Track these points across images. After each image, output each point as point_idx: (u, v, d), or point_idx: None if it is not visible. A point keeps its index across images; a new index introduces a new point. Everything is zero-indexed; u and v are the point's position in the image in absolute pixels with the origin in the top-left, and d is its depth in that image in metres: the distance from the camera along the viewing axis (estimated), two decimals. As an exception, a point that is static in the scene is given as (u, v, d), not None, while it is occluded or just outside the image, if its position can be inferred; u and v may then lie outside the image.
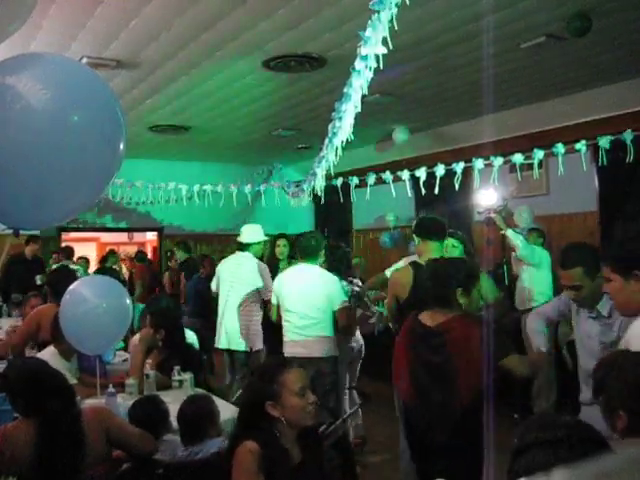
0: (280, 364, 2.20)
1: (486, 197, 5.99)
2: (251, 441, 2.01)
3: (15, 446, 2.29)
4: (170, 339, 3.86)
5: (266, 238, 5.37)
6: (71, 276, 4.47)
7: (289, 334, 4.21)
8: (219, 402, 3.06)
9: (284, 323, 4.25)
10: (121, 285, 3.67)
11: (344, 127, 3.49)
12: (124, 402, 3.26)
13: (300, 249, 4.35)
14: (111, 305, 3.33)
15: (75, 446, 2.34)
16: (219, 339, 5.19)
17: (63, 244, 9.14)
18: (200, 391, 3.46)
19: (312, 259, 4.27)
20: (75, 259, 8.53)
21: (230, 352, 5.15)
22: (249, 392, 2.22)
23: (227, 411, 3.01)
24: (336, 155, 3.90)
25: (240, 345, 5.04)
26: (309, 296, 4.14)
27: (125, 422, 2.69)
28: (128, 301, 3.46)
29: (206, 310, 6.36)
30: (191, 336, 4.26)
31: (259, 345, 5.08)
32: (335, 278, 4.27)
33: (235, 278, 5.15)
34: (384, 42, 2.57)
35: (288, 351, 4.17)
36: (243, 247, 5.26)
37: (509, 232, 5.51)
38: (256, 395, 2.12)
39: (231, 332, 5.09)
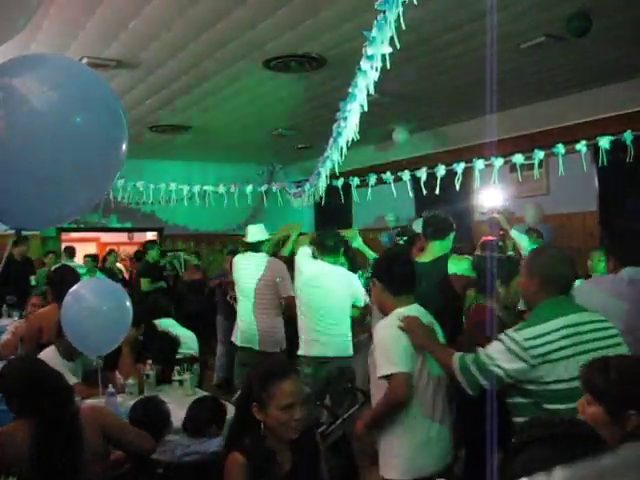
0: (278, 372, 2.11)
1: (488, 198, 5.99)
2: (238, 453, 2.03)
3: (14, 447, 2.29)
4: (148, 330, 3.90)
5: (270, 237, 5.13)
6: (72, 275, 4.44)
7: (310, 333, 4.10)
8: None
9: (305, 322, 4.15)
10: (122, 288, 3.68)
11: (349, 127, 3.48)
12: (124, 402, 3.26)
13: (321, 246, 4.22)
14: (111, 307, 3.35)
15: (73, 446, 2.34)
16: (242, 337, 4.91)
17: (63, 244, 9.14)
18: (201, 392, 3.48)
19: (333, 257, 4.19)
20: (83, 257, 8.52)
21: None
22: (242, 389, 2.23)
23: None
24: (341, 155, 3.89)
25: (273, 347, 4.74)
26: (332, 295, 4.08)
27: (122, 420, 2.68)
28: (128, 303, 3.47)
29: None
30: (189, 337, 4.25)
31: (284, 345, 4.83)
32: (355, 275, 4.34)
33: (254, 279, 4.86)
34: (390, 42, 2.57)
35: (307, 350, 4.08)
36: (253, 247, 5.00)
37: (514, 233, 5.51)
38: (246, 394, 2.13)
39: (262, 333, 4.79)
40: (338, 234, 4.35)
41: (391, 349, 2.51)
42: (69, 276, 4.37)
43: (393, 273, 2.71)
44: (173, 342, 3.97)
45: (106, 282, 3.98)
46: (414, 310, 2.64)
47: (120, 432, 2.55)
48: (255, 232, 5.09)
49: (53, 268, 6.49)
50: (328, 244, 4.19)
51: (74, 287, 3.48)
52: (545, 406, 2.10)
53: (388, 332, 2.56)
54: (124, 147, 1.99)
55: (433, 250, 3.66)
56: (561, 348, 2.11)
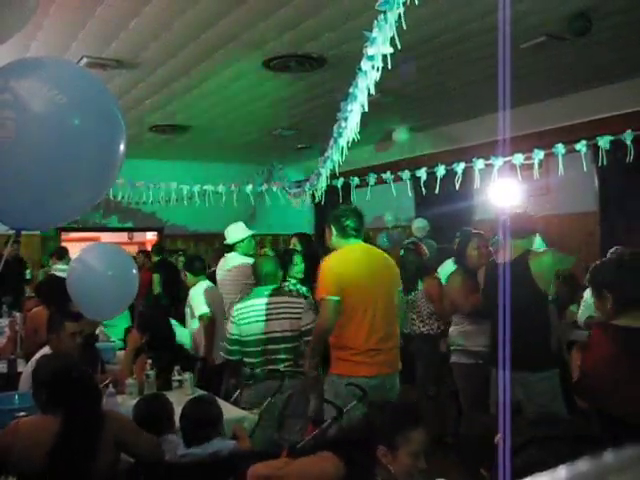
0: (415, 417, 2.03)
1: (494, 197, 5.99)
2: (337, 458, 1.89)
3: (36, 439, 2.28)
4: (156, 340, 3.87)
5: (250, 233, 5.29)
6: (59, 284, 4.50)
7: None
8: (220, 403, 3.07)
9: None
10: (127, 254, 3.68)
11: (350, 127, 3.47)
12: (124, 402, 3.26)
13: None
14: (117, 273, 3.32)
15: (93, 448, 2.33)
16: None
17: (63, 244, 9.12)
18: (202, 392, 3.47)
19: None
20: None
21: None
22: (368, 424, 2.04)
23: (225, 412, 3.01)
24: (341, 155, 3.89)
25: None
26: None
27: (136, 428, 2.63)
28: (134, 271, 3.43)
29: None
30: (186, 335, 4.28)
31: None
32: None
33: (222, 279, 5.16)
34: (391, 42, 2.57)
35: None
36: (230, 248, 5.25)
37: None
38: (376, 433, 1.97)
39: None
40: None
41: None
42: (56, 285, 4.46)
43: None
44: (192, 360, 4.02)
45: (112, 248, 3.84)
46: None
47: (133, 439, 2.52)
48: (233, 232, 5.23)
49: (40, 280, 6.52)
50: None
51: (80, 253, 3.46)
52: None
53: None
54: (122, 148, 1.99)
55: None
56: None
